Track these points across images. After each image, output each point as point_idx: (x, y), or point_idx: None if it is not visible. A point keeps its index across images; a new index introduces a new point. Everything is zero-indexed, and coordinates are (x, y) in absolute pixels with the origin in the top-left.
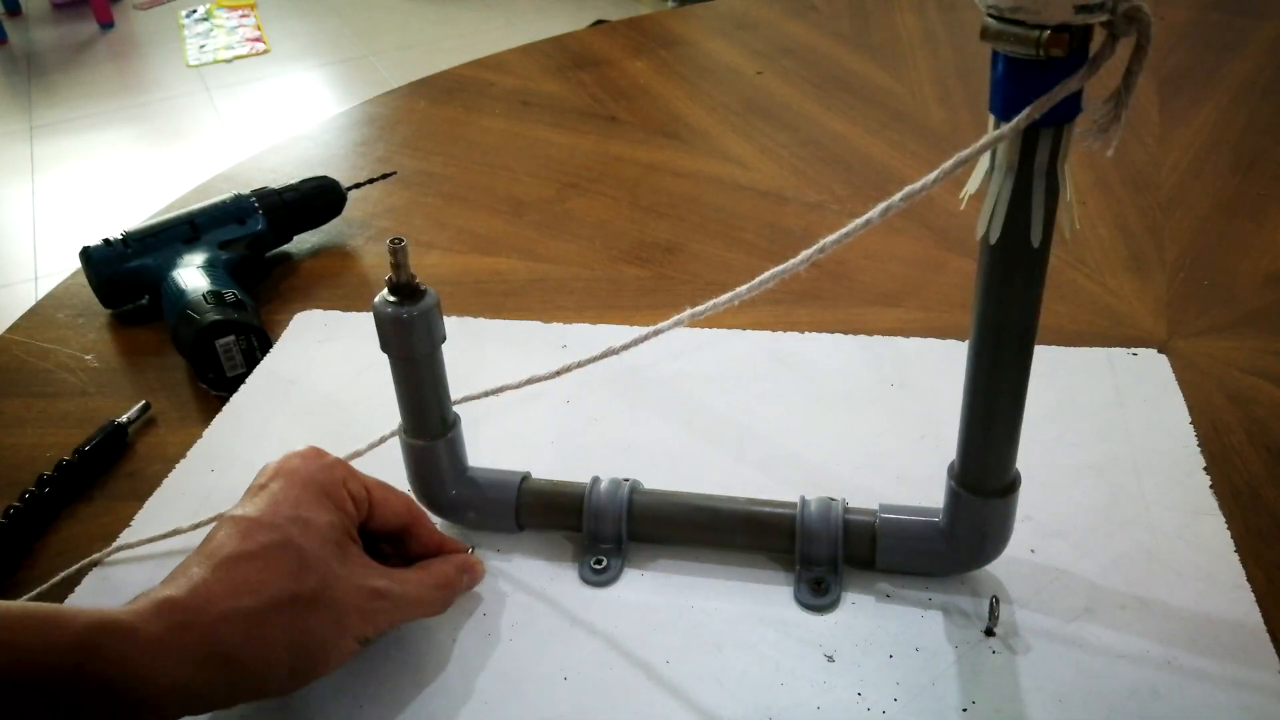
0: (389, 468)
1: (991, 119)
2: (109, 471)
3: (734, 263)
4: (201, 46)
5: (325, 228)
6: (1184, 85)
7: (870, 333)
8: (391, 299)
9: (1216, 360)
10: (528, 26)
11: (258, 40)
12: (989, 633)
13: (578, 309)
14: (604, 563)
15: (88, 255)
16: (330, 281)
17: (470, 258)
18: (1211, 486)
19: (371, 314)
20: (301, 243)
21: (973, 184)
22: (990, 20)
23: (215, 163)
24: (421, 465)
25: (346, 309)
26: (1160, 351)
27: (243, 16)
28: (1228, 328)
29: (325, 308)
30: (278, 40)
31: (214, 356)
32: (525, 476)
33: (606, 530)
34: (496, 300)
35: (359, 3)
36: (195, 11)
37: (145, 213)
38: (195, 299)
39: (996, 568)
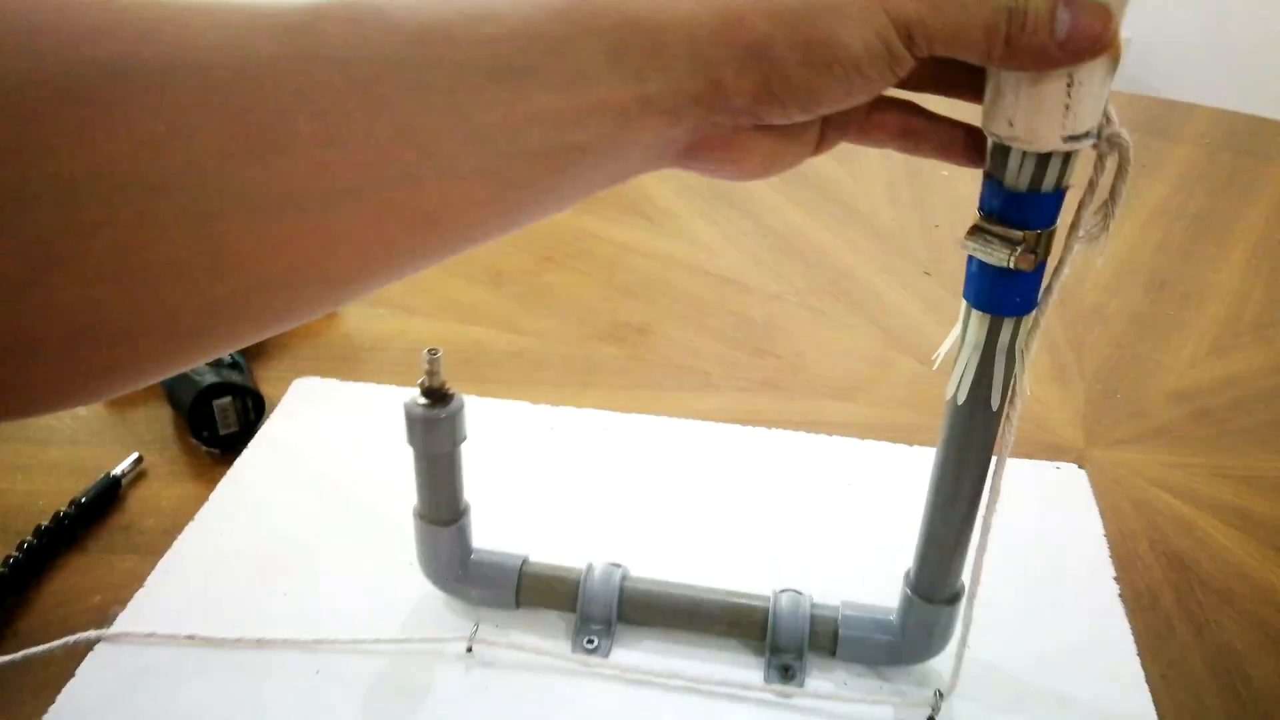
0: (398, 546)
1: (964, 303)
2: (102, 523)
3: (701, 348)
4: None
5: None
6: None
7: (825, 423)
8: (423, 401)
9: (1126, 470)
10: None
11: None
12: None
13: (556, 384)
14: (595, 641)
15: None
16: (313, 342)
17: (452, 325)
18: (1120, 594)
19: (367, 385)
20: None
21: (943, 350)
22: (972, 232)
23: None
24: (434, 546)
25: (332, 370)
26: (1079, 464)
27: None
28: (1136, 441)
29: (308, 366)
30: None
31: (210, 416)
32: (525, 560)
33: (598, 613)
34: (479, 370)
35: None
36: None
37: None
38: None
39: (938, 661)
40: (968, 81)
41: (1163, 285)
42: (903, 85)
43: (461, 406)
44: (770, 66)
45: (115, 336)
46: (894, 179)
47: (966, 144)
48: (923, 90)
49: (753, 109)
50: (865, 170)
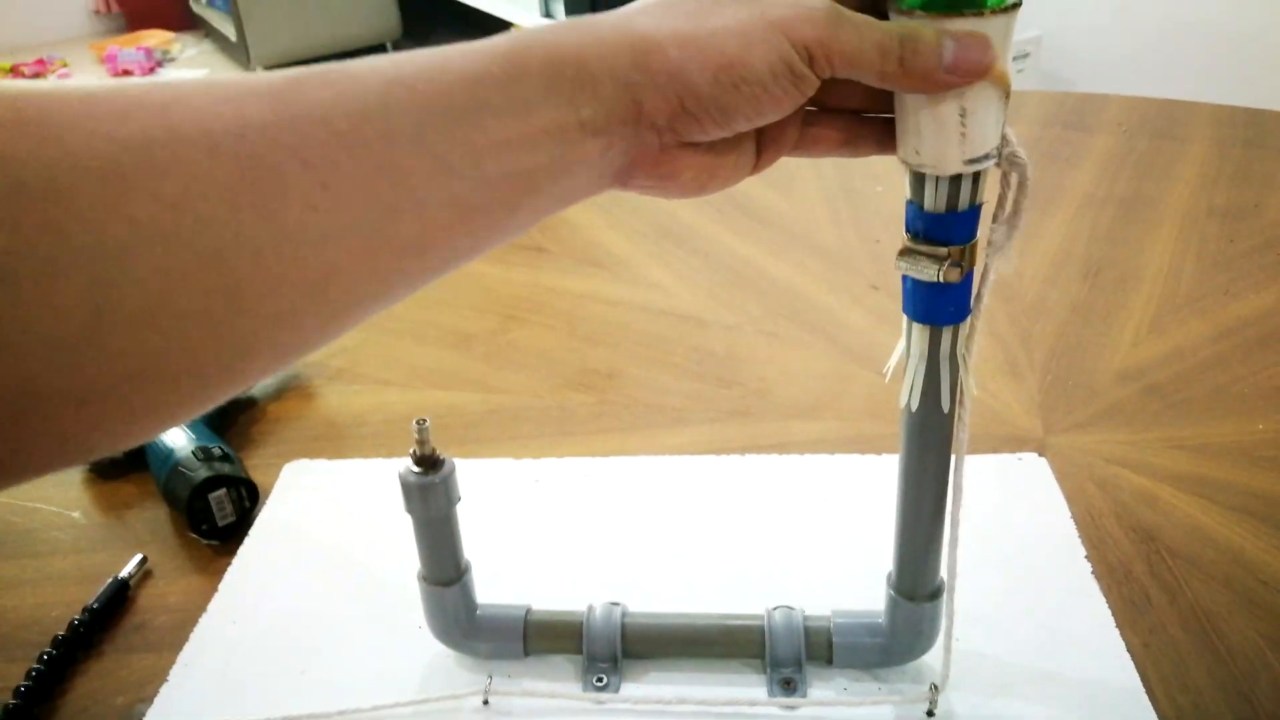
0: (406, 611)
1: (905, 318)
2: (116, 625)
3: (668, 385)
4: None
5: (284, 371)
6: (1034, 199)
7: (794, 443)
8: (416, 469)
9: (1085, 453)
10: None
11: None
12: (929, 714)
13: (534, 437)
14: (604, 679)
15: None
16: (297, 424)
17: (426, 393)
18: (1093, 572)
19: (355, 461)
20: (263, 388)
21: (892, 362)
22: (902, 254)
23: None
24: (440, 606)
25: (316, 451)
26: (1040, 453)
27: None
28: (1091, 423)
29: (293, 449)
30: None
31: (207, 509)
32: (528, 610)
33: (603, 651)
34: (458, 433)
35: None
36: None
37: None
38: (185, 457)
39: (930, 656)
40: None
41: (1098, 271)
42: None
43: (453, 470)
44: (684, 88)
45: (159, 378)
46: (831, 199)
47: None
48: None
49: (673, 126)
50: (803, 194)
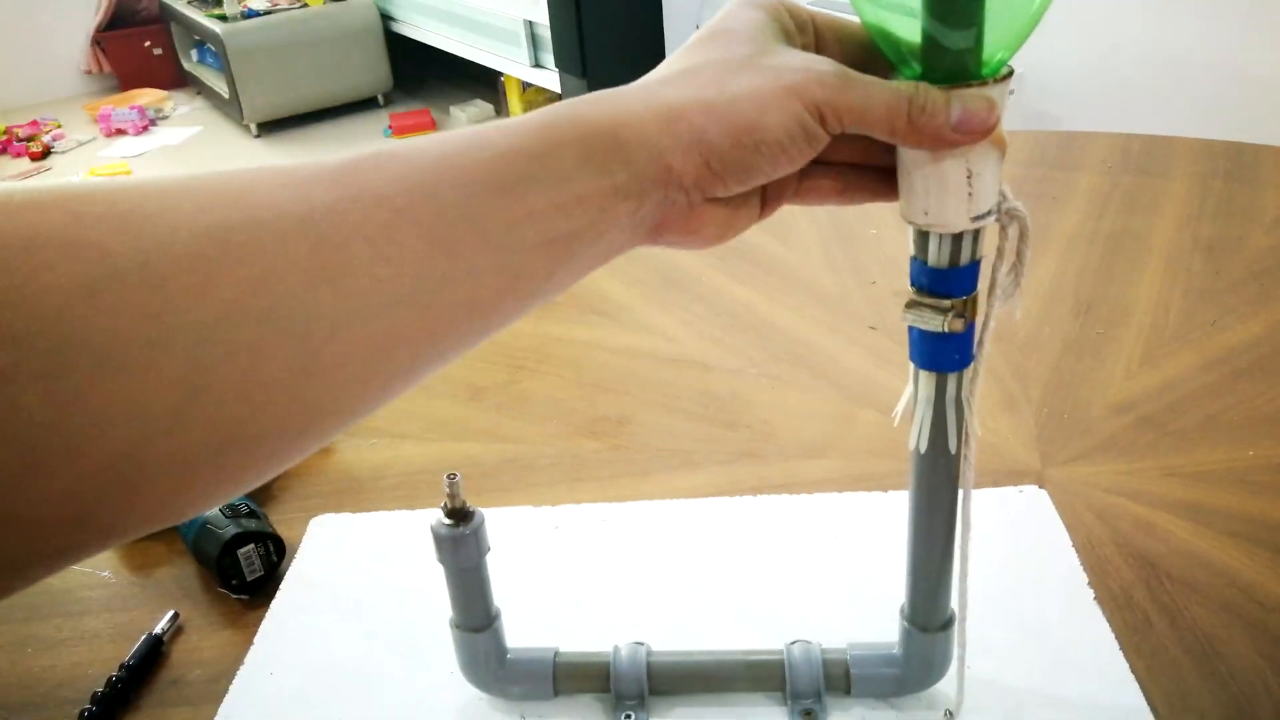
0: (438, 657)
1: (912, 365)
2: (151, 682)
3: (677, 429)
4: None
5: None
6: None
7: (802, 483)
8: (448, 522)
9: (1083, 484)
10: None
11: None
12: None
13: (549, 484)
14: (631, 716)
15: None
16: (318, 479)
17: (443, 445)
18: (1095, 598)
19: (380, 514)
20: None
21: (900, 407)
22: (909, 306)
23: None
24: (472, 652)
25: (336, 504)
26: (1039, 485)
27: None
28: (1088, 455)
29: (314, 504)
30: None
31: (236, 565)
32: (556, 652)
33: (631, 690)
34: (476, 484)
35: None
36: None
37: None
38: (213, 514)
39: (943, 684)
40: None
41: (1089, 308)
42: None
43: (483, 521)
44: (709, 150)
45: (245, 444)
46: (827, 244)
47: (892, 184)
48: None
49: (699, 185)
50: (799, 241)
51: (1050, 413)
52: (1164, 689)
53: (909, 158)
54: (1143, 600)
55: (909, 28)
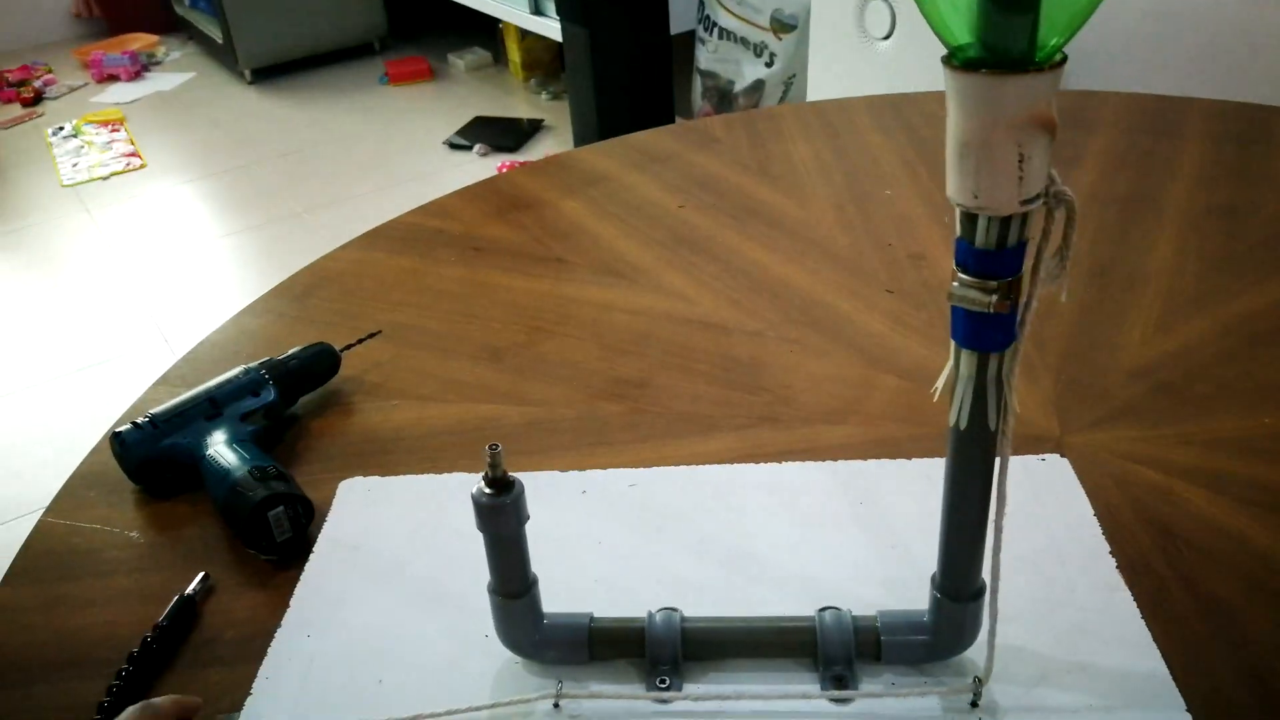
0: (473, 621)
1: (953, 344)
2: (186, 642)
3: (698, 393)
4: (74, 165)
5: (323, 388)
6: None
7: (824, 448)
8: (489, 490)
9: (1102, 451)
10: (405, 124)
11: (133, 155)
12: (974, 705)
13: (573, 447)
14: (667, 680)
15: (121, 439)
16: (340, 440)
17: (464, 406)
18: (1117, 565)
19: (410, 477)
20: (305, 405)
21: (940, 382)
22: (954, 286)
23: (104, 287)
24: (509, 617)
25: (360, 466)
26: (1060, 452)
27: (113, 131)
28: (1107, 421)
29: (339, 465)
30: (154, 153)
31: (266, 527)
32: (591, 617)
33: (666, 655)
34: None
35: (233, 109)
36: (63, 128)
37: (30, 342)
38: (242, 476)
39: (971, 651)
40: None
41: (1104, 272)
42: None
43: (522, 491)
44: None
45: None
46: (841, 205)
47: None
48: None
49: None
50: (813, 201)
51: (1068, 379)
52: (1182, 655)
53: (960, 139)
54: (1160, 567)
55: (965, 16)
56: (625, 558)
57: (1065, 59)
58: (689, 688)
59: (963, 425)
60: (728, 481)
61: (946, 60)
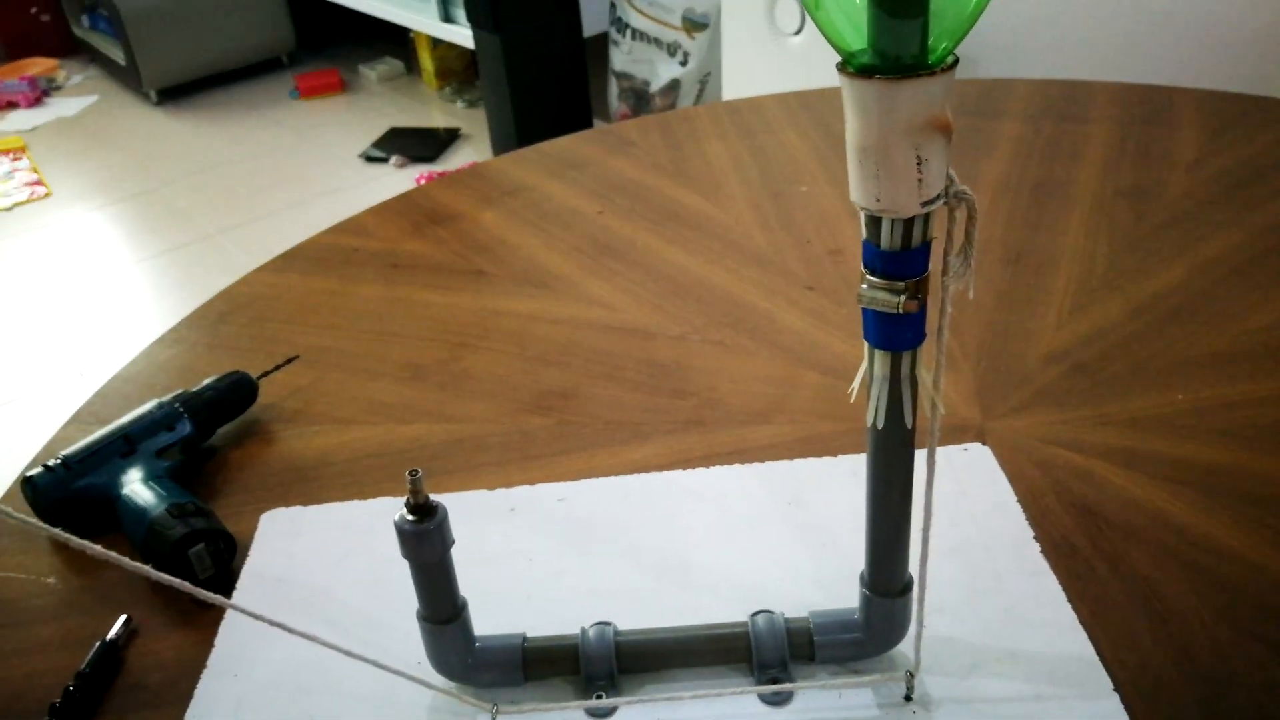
0: (404, 649)
1: (866, 345)
2: (110, 688)
3: (625, 401)
4: None
5: (241, 418)
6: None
7: (752, 449)
8: (411, 517)
9: (1022, 436)
10: (318, 138)
11: (37, 184)
12: (908, 699)
13: (499, 464)
14: (603, 695)
15: (33, 484)
16: (261, 470)
17: (388, 428)
18: (1041, 550)
19: (333, 505)
20: (223, 436)
21: (855, 384)
22: (863, 289)
23: (13, 322)
24: (440, 643)
25: (283, 496)
26: (981, 439)
27: (14, 160)
28: (1025, 406)
29: (261, 496)
30: (59, 181)
31: (187, 566)
32: (524, 638)
33: (601, 670)
34: (423, 465)
35: (140, 132)
36: None
37: None
38: (160, 514)
39: (903, 645)
40: None
41: (1018, 258)
42: None
43: (446, 515)
44: None
45: None
46: (759, 204)
47: None
48: None
49: None
50: (729, 201)
51: (987, 366)
52: (1109, 634)
53: (859, 144)
54: (1084, 548)
55: (856, 23)
56: (556, 574)
57: (957, 61)
58: (625, 700)
59: (880, 425)
60: (657, 490)
61: (841, 67)
